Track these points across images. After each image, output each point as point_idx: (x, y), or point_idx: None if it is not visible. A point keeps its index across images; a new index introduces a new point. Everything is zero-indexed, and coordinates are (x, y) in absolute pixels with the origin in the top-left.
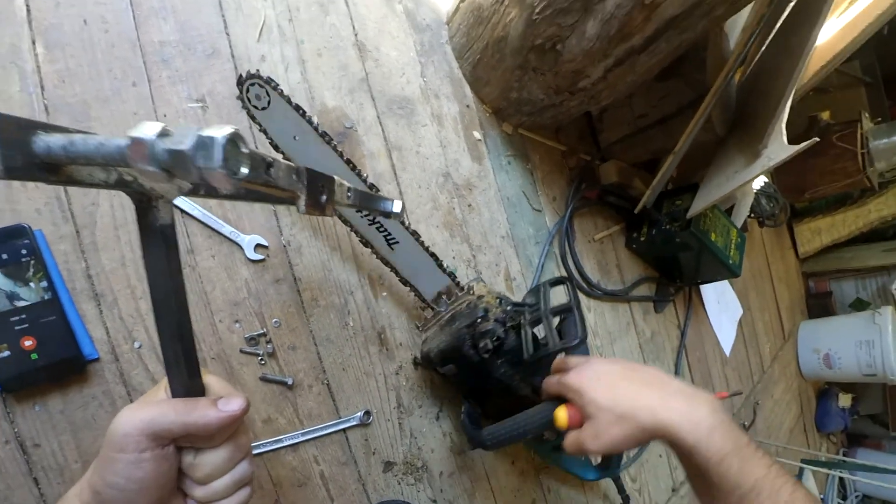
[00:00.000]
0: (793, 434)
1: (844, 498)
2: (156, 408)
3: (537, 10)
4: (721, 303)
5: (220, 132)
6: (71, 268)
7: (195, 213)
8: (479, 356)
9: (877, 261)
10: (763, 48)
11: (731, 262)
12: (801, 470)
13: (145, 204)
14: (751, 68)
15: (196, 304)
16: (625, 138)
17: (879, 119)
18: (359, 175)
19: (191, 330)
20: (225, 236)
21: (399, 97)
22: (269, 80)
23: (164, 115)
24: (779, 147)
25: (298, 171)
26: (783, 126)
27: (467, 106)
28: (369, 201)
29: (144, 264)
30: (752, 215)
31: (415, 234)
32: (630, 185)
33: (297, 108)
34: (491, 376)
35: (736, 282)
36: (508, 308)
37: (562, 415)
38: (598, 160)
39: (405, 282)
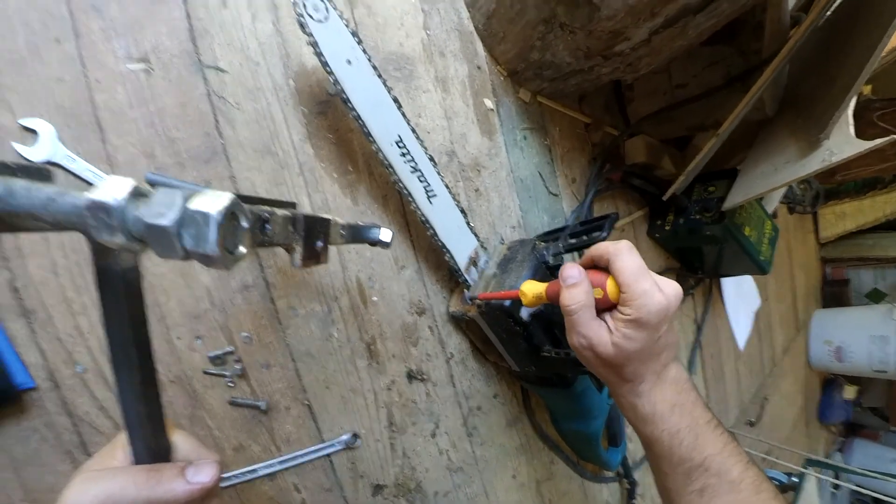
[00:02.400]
0: (795, 427)
1: (837, 487)
2: (113, 480)
3: None
4: (739, 294)
5: (214, 205)
6: None
7: None
8: (556, 262)
9: None
10: (828, 12)
11: (761, 258)
12: (806, 466)
13: (98, 243)
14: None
15: (149, 319)
16: (658, 112)
17: None
18: (403, 115)
19: (156, 386)
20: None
21: (396, 55)
22: None
23: (97, 81)
24: (844, 141)
25: (295, 220)
26: (850, 115)
27: (478, 67)
28: (357, 233)
29: (101, 310)
30: (784, 200)
31: (448, 187)
32: (658, 166)
33: (355, 34)
34: None
35: None
36: (541, 236)
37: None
38: (625, 135)
39: (442, 245)
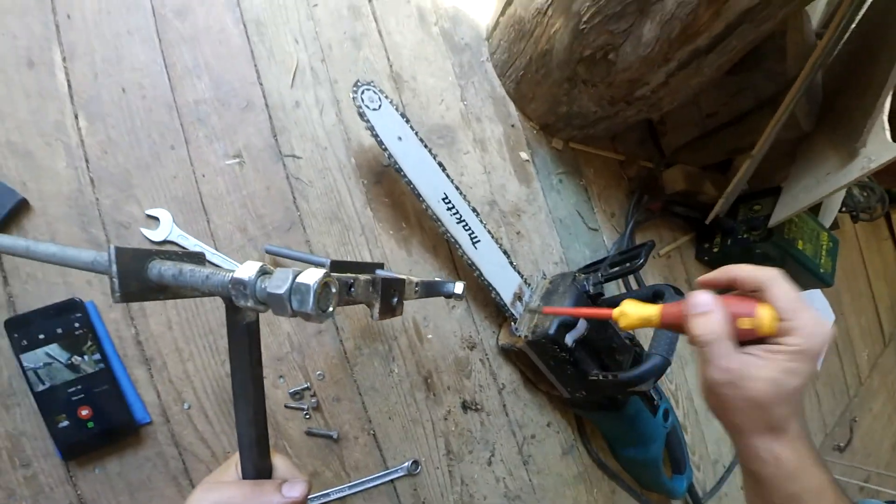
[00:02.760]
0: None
1: None
2: (227, 490)
3: (585, 19)
4: None
5: (313, 278)
6: (122, 335)
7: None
8: (596, 291)
9: None
10: (854, 24)
11: (821, 270)
12: None
13: (234, 304)
14: (839, 49)
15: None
16: (692, 141)
17: None
18: (447, 175)
19: (265, 416)
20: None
21: (439, 125)
22: (381, 90)
23: (203, 175)
24: (881, 146)
25: (374, 282)
26: (885, 119)
27: (512, 125)
28: (433, 288)
29: (229, 355)
30: (844, 209)
31: (491, 232)
32: (700, 191)
33: (403, 115)
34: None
35: None
36: (582, 269)
37: (767, 313)
38: (661, 167)
39: (489, 285)
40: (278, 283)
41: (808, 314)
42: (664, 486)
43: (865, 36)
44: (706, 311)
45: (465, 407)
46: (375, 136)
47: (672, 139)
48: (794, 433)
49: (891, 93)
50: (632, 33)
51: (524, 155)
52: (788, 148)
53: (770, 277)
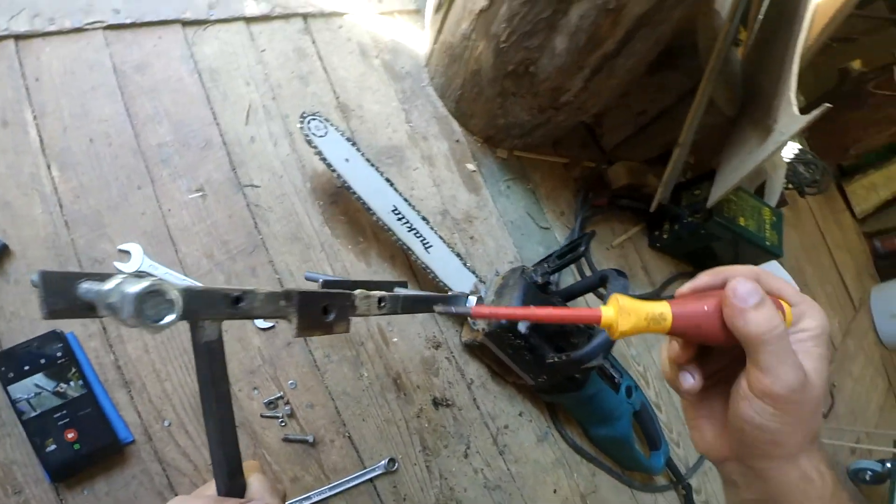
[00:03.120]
0: (884, 412)
1: None
2: (191, 502)
3: (503, 39)
4: None
5: (133, 287)
6: (102, 361)
7: None
8: (544, 280)
9: None
10: (761, 16)
11: (768, 243)
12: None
13: (193, 323)
14: (753, 40)
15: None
16: (629, 138)
17: None
18: (396, 189)
19: (234, 433)
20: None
21: (387, 147)
22: (327, 119)
23: (169, 210)
24: (790, 119)
25: (288, 295)
26: (792, 96)
27: (457, 141)
28: (426, 303)
29: (197, 374)
30: (791, 186)
31: (443, 238)
32: (644, 184)
33: (349, 139)
34: (551, 303)
35: (786, 259)
36: (535, 265)
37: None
38: (604, 165)
39: (443, 284)
40: (116, 294)
41: (808, 297)
42: (641, 464)
43: (772, 21)
44: (759, 301)
45: (436, 404)
46: (324, 159)
47: (610, 138)
48: (819, 443)
49: (797, 69)
50: (546, 47)
51: (471, 166)
52: (721, 134)
53: (763, 271)
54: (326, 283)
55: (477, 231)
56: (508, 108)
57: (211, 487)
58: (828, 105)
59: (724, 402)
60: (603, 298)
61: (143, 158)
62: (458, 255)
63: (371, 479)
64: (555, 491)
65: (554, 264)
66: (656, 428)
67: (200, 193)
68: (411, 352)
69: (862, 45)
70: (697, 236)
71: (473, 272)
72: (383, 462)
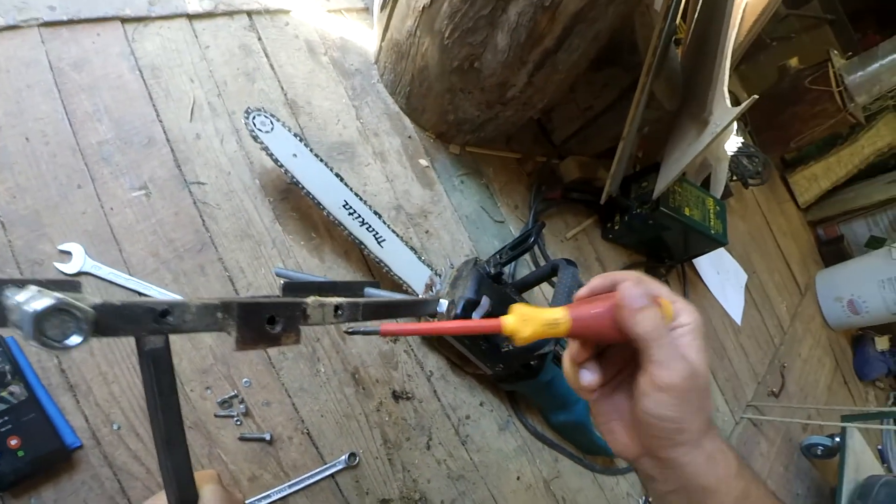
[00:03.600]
0: (832, 390)
1: None
2: None
3: (446, 35)
4: (721, 273)
5: (35, 304)
6: (44, 365)
7: (152, 292)
8: (497, 271)
9: (882, 194)
10: (696, 15)
11: (713, 232)
12: (844, 429)
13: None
14: (689, 38)
15: (176, 392)
16: (577, 132)
17: (850, 54)
18: (346, 185)
19: (184, 444)
20: None
21: (338, 143)
22: (273, 114)
23: (112, 209)
24: (722, 112)
25: (227, 307)
26: (725, 90)
27: (409, 137)
28: (396, 310)
29: (143, 383)
30: (735, 178)
31: (396, 232)
32: (595, 178)
33: (297, 134)
34: (504, 292)
35: (733, 247)
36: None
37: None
38: (555, 159)
39: (399, 278)
40: (17, 307)
41: (678, 297)
42: (600, 447)
43: (705, 20)
44: (645, 304)
45: (396, 397)
46: (271, 155)
47: (560, 134)
48: (714, 428)
49: (728, 64)
50: (488, 43)
51: (424, 162)
52: (665, 129)
53: (630, 273)
54: (289, 286)
55: (432, 225)
56: (458, 104)
57: (161, 498)
58: (755, 97)
59: (629, 402)
60: (555, 287)
61: (83, 157)
62: (413, 248)
63: (332, 475)
64: (518, 478)
65: (507, 255)
66: None
67: (144, 191)
68: (369, 346)
69: (799, 43)
70: (647, 226)
71: (429, 266)
72: (344, 457)
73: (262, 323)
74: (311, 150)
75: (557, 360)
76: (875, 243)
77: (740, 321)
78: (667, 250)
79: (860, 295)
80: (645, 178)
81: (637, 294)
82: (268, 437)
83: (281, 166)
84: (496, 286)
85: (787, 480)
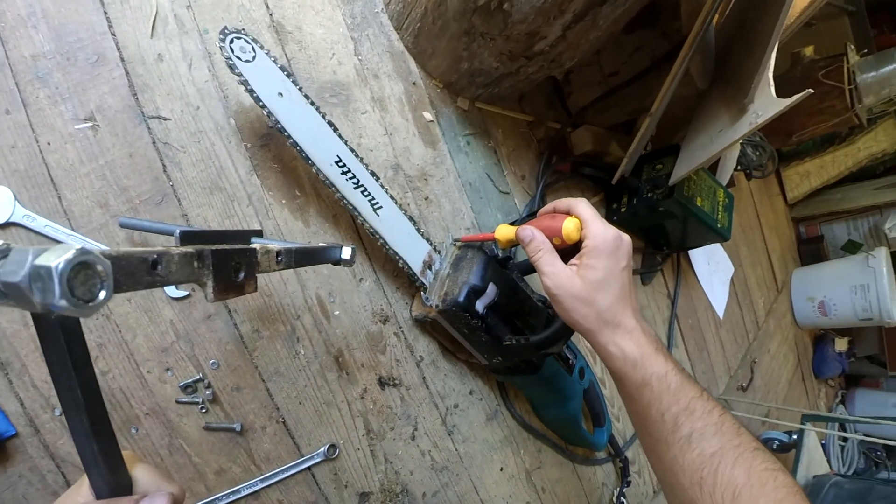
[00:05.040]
0: (791, 385)
1: (845, 440)
2: None
3: None
4: (711, 263)
5: (57, 258)
6: None
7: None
8: (504, 254)
9: (868, 200)
10: None
11: (719, 226)
12: (803, 421)
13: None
14: (730, 8)
15: (118, 357)
16: (597, 101)
17: (865, 51)
18: (340, 136)
19: (107, 423)
20: None
21: (331, 83)
22: (255, 39)
23: (49, 143)
24: (767, 102)
25: (201, 255)
26: (770, 76)
27: (413, 83)
28: (312, 256)
29: (45, 358)
30: (738, 168)
31: (394, 198)
32: (606, 152)
33: (284, 68)
34: (511, 279)
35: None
36: None
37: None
38: (569, 128)
39: (394, 254)
40: (14, 268)
41: (599, 223)
42: (586, 440)
43: None
44: (530, 237)
45: (382, 383)
46: (251, 92)
47: (578, 99)
48: (630, 327)
49: (776, 49)
50: None
51: (428, 115)
52: (688, 107)
53: (575, 202)
54: (185, 234)
55: (432, 191)
56: (475, 51)
57: (82, 489)
58: (809, 91)
59: None
60: None
61: (13, 73)
62: (412, 218)
63: (309, 468)
64: (501, 469)
65: None
66: (602, 406)
67: (90, 123)
68: (355, 326)
69: (817, 32)
70: (653, 213)
71: (427, 239)
72: (323, 448)
73: (231, 271)
74: (300, 90)
75: (558, 355)
76: (851, 247)
77: (722, 314)
78: (665, 239)
79: (832, 298)
80: (660, 161)
81: (525, 233)
82: (237, 427)
83: (263, 107)
84: (503, 271)
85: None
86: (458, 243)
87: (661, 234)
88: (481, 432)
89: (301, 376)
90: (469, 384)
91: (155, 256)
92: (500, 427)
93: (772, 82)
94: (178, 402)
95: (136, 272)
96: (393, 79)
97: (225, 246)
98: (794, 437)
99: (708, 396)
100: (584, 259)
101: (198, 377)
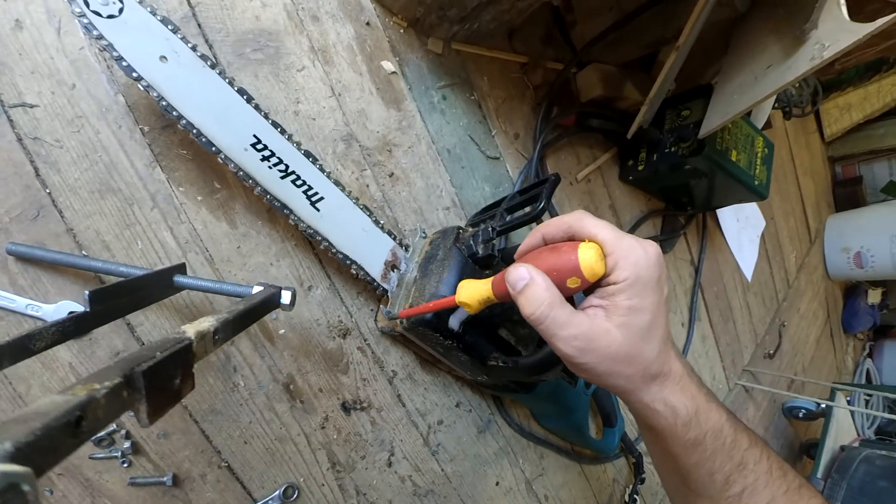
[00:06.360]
0: (819, 343)
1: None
2: None
3: None
4: (741, 219)
5: None
6: None
7: None
8: (487, 252)
9: None
10: None
11: (756, 182)
12: (833, 392)
13: None
14: None
15: (12, 415)
16: (607, 32)
17: None
18: (255, 107)
19: None
20: (22, 313)
21: (253, 32)
22: None
23: None
24: (836, 28)
25: (130, 380)
26: None
27: (367, 23)
28: (252, 315)
29: None
30: (776, 105)
31: (340, 182)
32: (619, 97)
33: (165, 19)
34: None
35: None
36: (476, 216)
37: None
38: (573, 68)
39: (344, 258)
40: None
41: (627, 241)
42: (595, 446)
43: None
44: (526, 283)
45: (346, 408)
46: (118, 59)
47: (583, 31)
48: (678, 374)
49: None
50: None
51: (389, 65)
52: (722, 35)
53: (577, 218)
54: (94, 295)
55: (398, 165)
56: None
57: None
58: None
59: None
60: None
61: None
62: (366, 207)
63: None
64: (497, 483)
65: (501, 223)
66: (613, 405)
67: None
68: (308, 345)
69: None
70: (678, 171)
71: (390, 233)
72: (278, 492)
73: (166, 383)
74: (192, 49)
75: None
76: (893, 189)
77: (751, 276)
78: (690, 198)
79: (869, 248)
80: (686, 105)
81: (517, 276)
82: (168, 480)
83: (137, 79)
84: (485, 274)
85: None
86: (427, 240)
87: (686, 193)
88: (472, 447)
89: (243, 412)
90: (455, 396)
91: (79, 413)
92: (495, 438)
93: (843, 2)
94: (92, 457)
95: (58, 445)
96: (339, 20)
97: (157, 357)
98: (822, 405)
99: (755, 439)
100: (618, 298)
101: (111, 428)
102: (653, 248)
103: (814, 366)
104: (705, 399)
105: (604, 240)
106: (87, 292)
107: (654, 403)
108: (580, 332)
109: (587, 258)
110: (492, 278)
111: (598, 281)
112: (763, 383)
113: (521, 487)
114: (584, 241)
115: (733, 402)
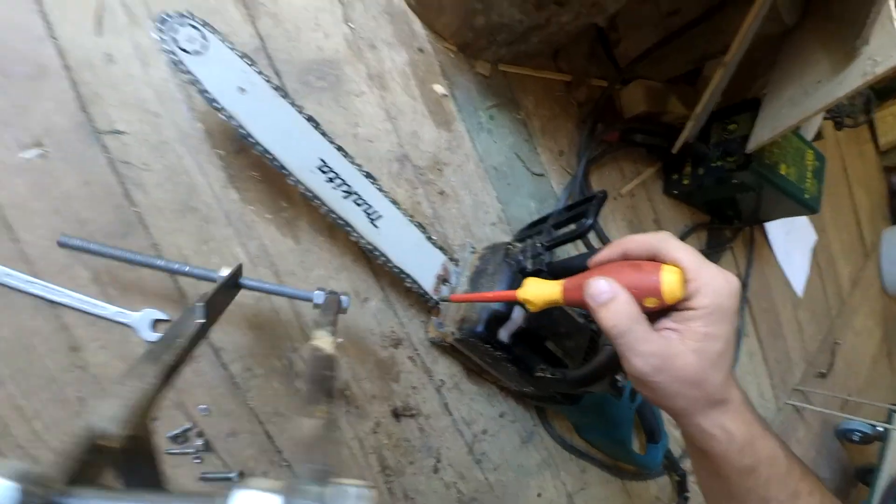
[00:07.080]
0: (875, 362)
1: None
2: None
3: None
4: (791, 233)
5: None
6: None
7: (65, 299)
8: (536, 266)
9: None
10: None
11: (806, 196)
12: (891, 414)
13: None
14: None
15: None
16: (652, 49)
17: None
18: (323, 133)
19: None
20: (111, 319)
21: (316, 62)
22: (206, 23)
23: None
24: (889, 43)
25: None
26: (893, 6)
27: (420, 50)
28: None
29: None
30: (827, 115)
31: (396, 202)
32: (664, 111)
33: (245, 55)
34: None
35: None
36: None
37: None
38: (617, 85)
39: (399, 272)
40: None
41: (710, 269)
42: (638, 461)
43: None
44: (609, 298)
45: (396, 415)
46: (203, 92)
47: (628, 48)
48: (738, 402)
49: None
50: None
51: (440, 88)
52: (769, 49)
53: (661, 239)
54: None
55: (448, 183)
56: (492, 2)
57: None
58: None
59: None
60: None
61: None
62: (420, 225)
63: None
64: (539, 495)
65: (549, 238)
66: (657, 421)
67: (39, 150)
68: (362, 354)
69: None
70: (725, 186)
71: (442, 248)
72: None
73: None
74: (267, 81)
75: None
76: None
77: (802, 292)
78: (736, 212)
79: None
80: (733, 119)
81: (600, 289)
82: (234, 476)
83: (219, 109)
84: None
85: (817, 465)
86: (476, 254)
87: (732, 207)
88: (515, 457)
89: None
90: (499, 406)
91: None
92: (537, 450)
93: (895, 14)
94: (168, 453)
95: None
96: (394, 47)
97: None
98: (879, 428)
99: (808, 471)
100: (694, 324)
101: (187, 426)
102: (734, 279)
103: (869, 386)
104: (761, 427)
105: (687, 265)
106: (201, 304)
107: (713, 428)
108: (658, 351)
109: (670, 282)
110: (561, 282)
111: (673, 304)
112: (815, 403)
113: (563, 500)
114: (666, 262)
115: (783, 422)
